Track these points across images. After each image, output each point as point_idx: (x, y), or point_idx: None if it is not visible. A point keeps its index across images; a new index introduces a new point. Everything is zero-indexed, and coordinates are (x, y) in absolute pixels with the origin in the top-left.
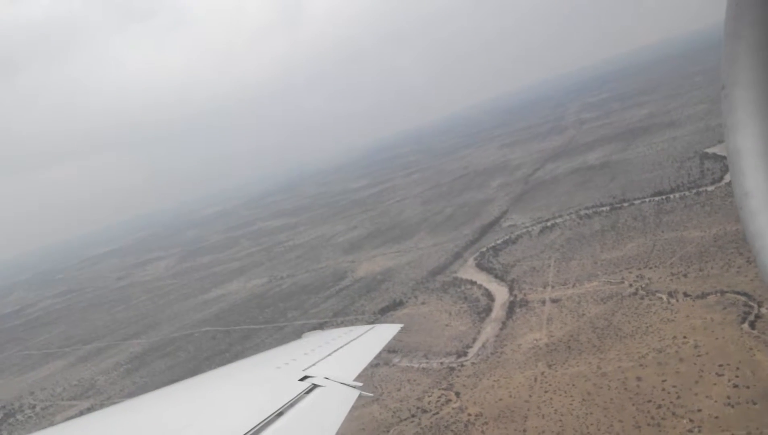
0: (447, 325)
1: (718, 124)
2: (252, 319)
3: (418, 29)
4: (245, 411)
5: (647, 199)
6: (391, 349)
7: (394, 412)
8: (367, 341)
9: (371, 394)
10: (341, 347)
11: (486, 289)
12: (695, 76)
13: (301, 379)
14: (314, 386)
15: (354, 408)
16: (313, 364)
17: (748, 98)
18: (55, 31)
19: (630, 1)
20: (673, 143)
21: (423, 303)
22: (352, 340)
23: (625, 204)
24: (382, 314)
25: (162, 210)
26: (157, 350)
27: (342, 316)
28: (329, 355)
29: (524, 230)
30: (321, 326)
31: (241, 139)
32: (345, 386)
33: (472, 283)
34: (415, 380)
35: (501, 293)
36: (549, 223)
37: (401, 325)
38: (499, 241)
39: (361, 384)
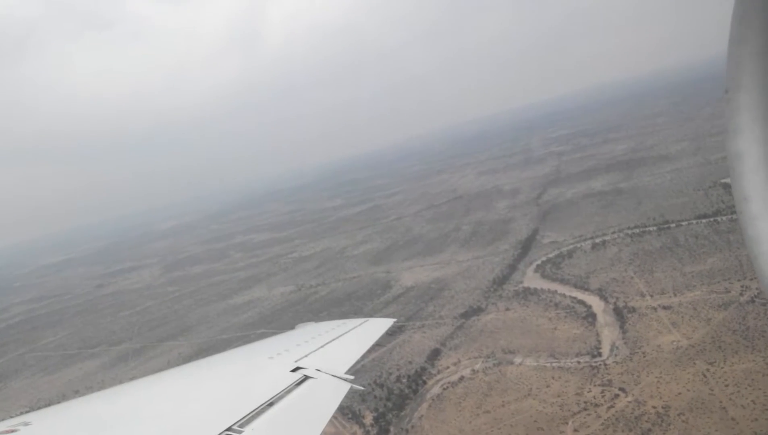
0: (554, 329)
1: (718, 158)
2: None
3: (371, 65)
4: (237, 400)
5: (693, 221)
6: (507, 350)
7: (560, 406)
8: (359, 334)
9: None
10: (334, 339)
11: (573, 297)
12: (656, 118)
13: (293, 370)
14: (306, 377)
15: (506, 403)
16: (306, 356)
17: (750, 102)
18: (12, 30)
19: (557, 53)
20: (679, 174)
21: (507, 309)
22: (344, 333)
23: (672, 225)
24: (466, 319)
25: (103, 221)
26: (213, 350)
27: (417, 320)
28: (322, 347)
29: (572, 246)
30: (400, 328)
31: (184, 156)
32: (336, 378)
33: (552, 292)
34: (559, 377)
35: (593, 301)
36: (597, 241)
37: (394, 320)
38: (551, 255)
39: (352, 377)
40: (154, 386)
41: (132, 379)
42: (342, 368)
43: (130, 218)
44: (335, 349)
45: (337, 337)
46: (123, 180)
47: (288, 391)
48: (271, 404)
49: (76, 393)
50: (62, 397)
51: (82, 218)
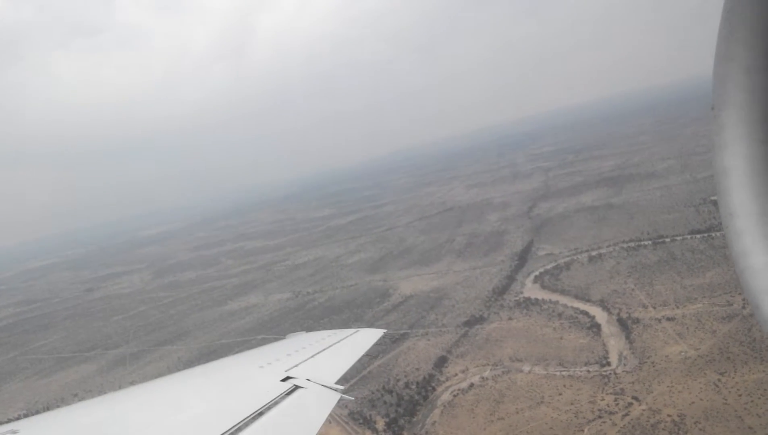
0: (560, 338)
1: (705, 176)
2: (311, 329)
3: (357, 79)
4: (226, 409)
5: (688, 236)
6: (515, 358)
7: (574, 414)
8: (350, 345)
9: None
10: (324, 349)
11: (576, 308)
12: (639, 136)
13: (283, 380)
14: (296, 387)
15: (520, 410)
16: (296, 365)
17: (737, 119)
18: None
19: (538, 73)
20: (668, 191)
21: (510, 319)
22: (335, 343)
23: (666, 240)
24: (469, 328)
25: (86, 227)
26: (214, 354)
27: (419, 328)
28: (312, 356)
29: (568, 259)
30: (403, 335)
31: (170, 165)
32: (326, 389)
33: (553, 302)
34: (570, 386)
35: (596, 312)
36: (593, 254)
37: (384, 330)
38: (548, 267)
39: (342, 387)
40: (142, 396)
41: (132, 382)
42: (332, 378)
43: (114, 225)
44: (325, 360)
45: (328, 347)
46: (107, 187)
47: (278, 401)
48: (260, 414)
49: (75, 396)
50: (60, 401)
51: (66, 223)
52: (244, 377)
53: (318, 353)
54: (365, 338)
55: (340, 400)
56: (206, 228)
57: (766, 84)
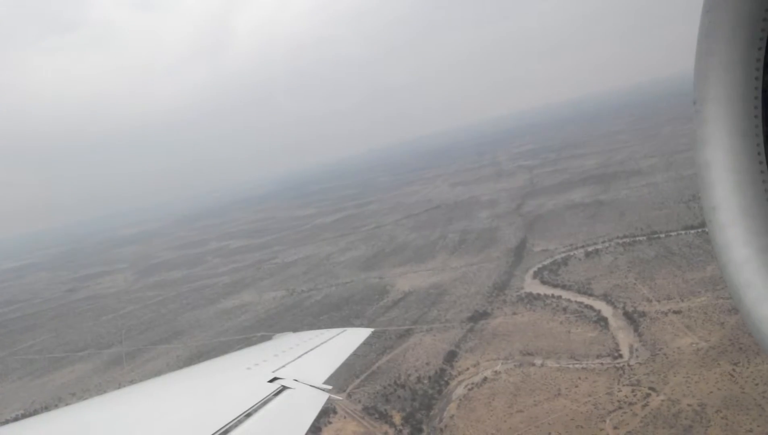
0: (568, 332)
1: (691, 174)
2: (311, 326)
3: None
4: (214, 411)
5: (682, 232)
6: (525, 352)
7: (593, 405)
8: (337, 344)
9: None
10: (312, 350)
11: (579, 302)
12: (617, 135)
13: (271, 381)
14: (283, 388)
15: (538, 403)
16: (283, 366)
17: (718, 113)
18: None
19: (511, 72)
20: (656, 188)
21: (515, 313)
22: (322, 343)
23: (661, 235)
24: (474, 323)
25: (58, 227)
26: (213, 352)
27: (423, 323)
28: (299, 357)
29: (565, 254)
30: (407, 331)
31: (143, 163)
32: (314, 389)
33: (556, 297)
34: (586, 378)
35: (600, 306)
36: (589, 249)
37: (372, 329)
38: (546, 263)
39: (330, 387)
40: (129, 399)
41: (132, 381)
42: (320, 378)
43: (88, 224)
44: (313, 360)
45: (315, 347)
46: (81, 185)
47: (265, 401)
48: (248, 415)
49: (73, 396)
50: (58, 400)
51: (38, 223)
52: (232, 379)
53: (305, 353)
54: (352, 338)
55: (328, 400)
56: (185, 227)
57: (747, 78)
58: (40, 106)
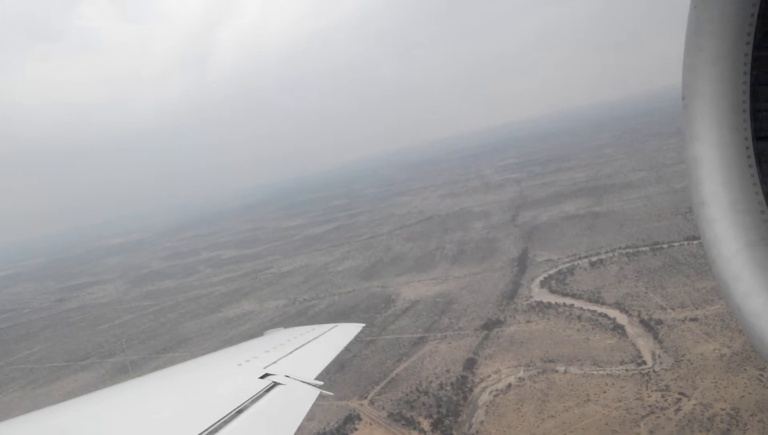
0: (587, 339)
1: (682, 187)
2: None
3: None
4: (205, 407)
5: (685, 243)
6: (546, 359)
7: (625, 410)
8: (329, 340)
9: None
10: (303, 345)
11: (593, 311)
12: (602, 149)
13: (262, 377)
14: (275, 384)
15: (569, 408)
16: (274, 362)
17: (706, 109)
18: None
19: (486, 87)
20: (650, 201)
21: (528, 321)
22: (314, 339)
23: (664, 246)
24: (488, 330)
25: (38, 238)
26: None
27: (436, 331)
28: (291, 353)
29: (569, 264)
30: (420, 339)
31: (127, 173)
32: (305, 385)
33: (568, 305)
34: (612, 384)
35: (614, 314)
36: (593, 260)
37: (363, 324)
38: (551, 272)
39: (321, 383)
40: (118, 396)
41: None
42: (311, 374)
43: (70, 234)
44: (304, 355)
45: (307, 343)
46: (63, 193)
47: (257, 398)
48: (239, 411)
49: None
50: None
51: (18, 233)
52: (223, 375)
53: (297, 349)
54: (344, 333)
55: (320, 395)
56: (172, 238)
57: (735, 73)
58: (24, 113)
